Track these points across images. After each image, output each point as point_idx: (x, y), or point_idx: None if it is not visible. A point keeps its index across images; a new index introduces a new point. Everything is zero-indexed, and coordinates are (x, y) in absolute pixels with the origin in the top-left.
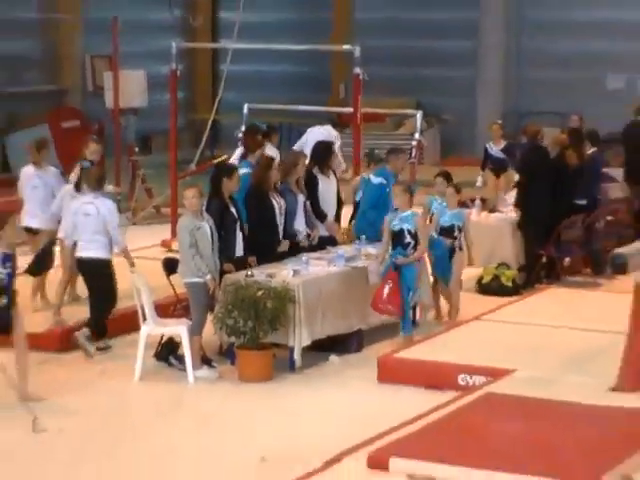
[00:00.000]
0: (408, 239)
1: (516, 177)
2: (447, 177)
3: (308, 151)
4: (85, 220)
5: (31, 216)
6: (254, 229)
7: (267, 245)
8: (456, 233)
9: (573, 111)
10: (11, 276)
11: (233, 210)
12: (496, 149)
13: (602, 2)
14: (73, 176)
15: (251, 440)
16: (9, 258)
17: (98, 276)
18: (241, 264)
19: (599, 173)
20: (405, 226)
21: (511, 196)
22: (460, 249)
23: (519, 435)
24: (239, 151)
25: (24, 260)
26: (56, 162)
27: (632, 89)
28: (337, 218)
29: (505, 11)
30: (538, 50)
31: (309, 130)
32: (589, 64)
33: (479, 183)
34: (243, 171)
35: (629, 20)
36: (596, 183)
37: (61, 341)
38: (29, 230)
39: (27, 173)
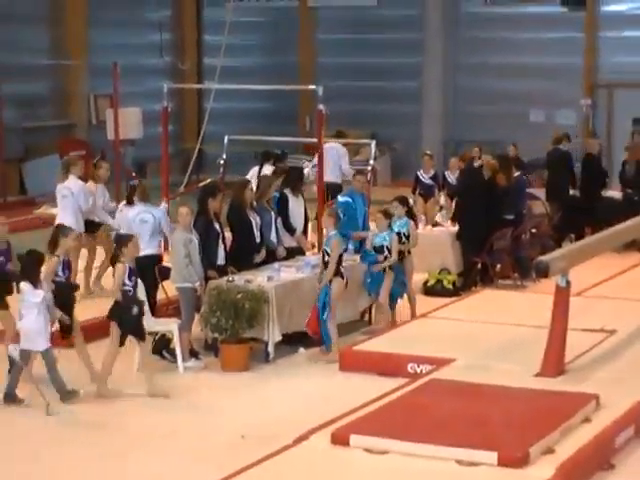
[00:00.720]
0: (327, 258)
1: (441, 201)
2: (402, 201)
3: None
4: (143, 226)
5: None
6: (235, 241)
7: (246, 254)
8: (385, 253)
9: (502, 140)
10: (136, 288)
11: (216, 225)
12: (426, 176)
13: (525, 49)
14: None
15: (233, 421)
16: (133, 272)
17: (154, 270)
18: (223, 271)
19: (524, 192)
20: (325, 247)
21: (449, 213)
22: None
23: (459, 414)
24: (255, 170)
25: None
26: None
27: (551, 122)
28: (304, 232)
29: (444, 56)
30: (472, 88)
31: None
32: (514, 100)
33: (411, 202)
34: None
35: (547, 64)
36: (521, 201)
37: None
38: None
39: (57, 188)
